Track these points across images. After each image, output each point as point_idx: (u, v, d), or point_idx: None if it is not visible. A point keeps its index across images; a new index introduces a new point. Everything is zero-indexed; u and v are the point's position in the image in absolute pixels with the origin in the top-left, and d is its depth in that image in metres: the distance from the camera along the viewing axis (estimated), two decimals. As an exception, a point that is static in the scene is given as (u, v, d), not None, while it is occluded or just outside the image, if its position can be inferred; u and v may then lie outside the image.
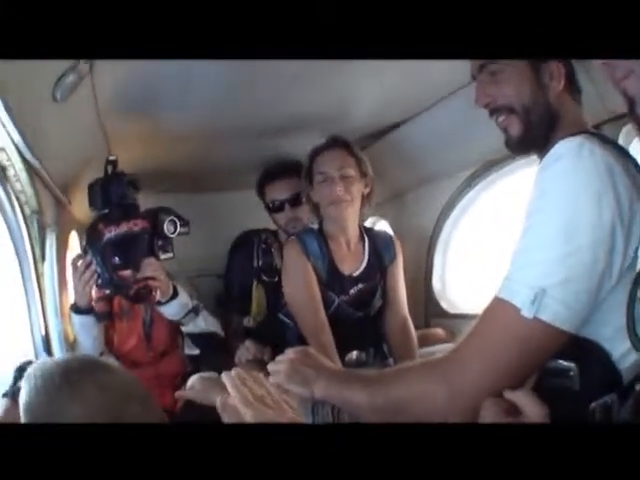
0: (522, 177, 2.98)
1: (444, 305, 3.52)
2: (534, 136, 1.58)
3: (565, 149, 1.29)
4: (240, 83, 2.30)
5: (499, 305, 1.28)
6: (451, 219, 3.43)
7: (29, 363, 1.99)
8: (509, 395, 1.20)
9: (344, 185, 2.64)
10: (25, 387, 1.34)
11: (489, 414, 1.19)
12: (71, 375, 1.33)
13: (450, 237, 3.50)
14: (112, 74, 2.00)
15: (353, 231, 2.82)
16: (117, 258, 2.54)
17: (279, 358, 1.74)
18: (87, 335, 2.67)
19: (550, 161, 1.30)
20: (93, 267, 2.53)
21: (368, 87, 2.57)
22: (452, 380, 1.30)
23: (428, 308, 3.58)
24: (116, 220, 2.49)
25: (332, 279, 2.77)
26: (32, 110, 1.83)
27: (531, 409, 1.14)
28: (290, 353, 1.72)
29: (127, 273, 2.57)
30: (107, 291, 2.68)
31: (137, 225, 2.50)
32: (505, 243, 3.32)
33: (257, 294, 3.36)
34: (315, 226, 2.85)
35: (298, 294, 2.73)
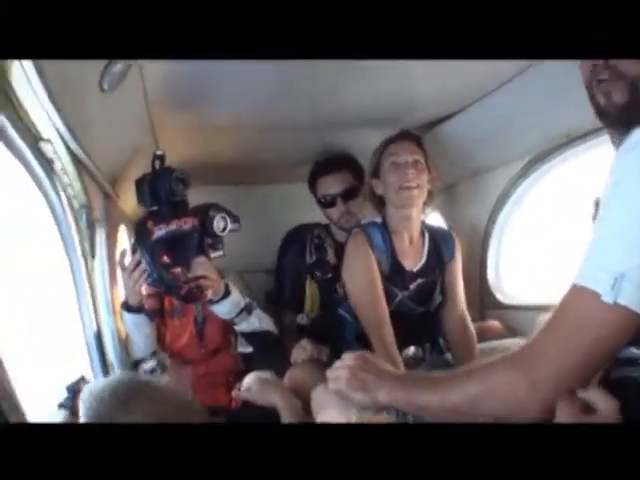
0: (577, 166, 2.92)
1: (499, 296, 3.48)
2: (631, 110, 1.46)
3: None
4: (294, 75, 2.28)
5: (578, 292, 1.23)
6: (505, 210, 3.38)
7: (80, 382, 2.00)
8: (582, 394, 1.17)
9: (415, 171, 2.62)
10: (82, 409, 1.39)
11: (564, 414, 1.17)
12: (120, 391, 1.40)
13: (504, 228, 3.44)
14: (161, 62, 1.96)
15: (416, 225, 2.79)
16: (166, 257, 2.52)
17: (337, 364, 1.70)
18: (139, 333, 2.66)
19: (630, 146, 1.25)
20: (143, 266, 2.51)
21: (421, 81, 2.55)
22: (531, 372, 1.26)
23: (483, 300, 3.54)
24: (165, 218, 2.47)
25: (394, 273, 2.73)
26: (79, 100, 1.79)
27: (604, 405, 1.13)
28: (349, 359, 1.67)
29: (177, 271, 2.54)
30: (157, 290, 2.67)
31: (187, 223, 2.47)
32: (559, 233, 3.26)
33: (310, 291, 3.32)
34: (378, 220, 2.81)
35: (363, 287, 2.68)
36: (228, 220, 2.57)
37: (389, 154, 2.67)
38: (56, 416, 1.86)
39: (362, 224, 2.90)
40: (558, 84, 2.20)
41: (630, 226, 1.18)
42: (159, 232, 2.47)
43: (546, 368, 1.25)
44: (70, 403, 1.89)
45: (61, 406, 1.91)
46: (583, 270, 1.24)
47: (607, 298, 1.16)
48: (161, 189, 2.46)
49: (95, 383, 1.47)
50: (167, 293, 2.75)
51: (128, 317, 2.61)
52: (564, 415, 1.17)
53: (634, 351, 1.31)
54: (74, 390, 1.93)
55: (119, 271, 2.61)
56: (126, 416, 1.32)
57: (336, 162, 3.28)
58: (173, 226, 2.46)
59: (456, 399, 1.38)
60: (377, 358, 1.75)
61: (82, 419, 1.36)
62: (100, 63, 1.73)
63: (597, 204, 1.53)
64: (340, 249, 3.06)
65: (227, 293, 2.67)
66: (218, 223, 2.55)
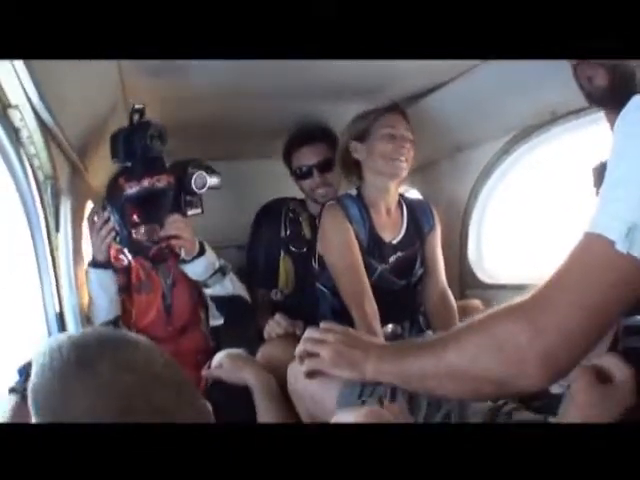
0: (562, 144, 2.91)
1: (480, 275, 3.47)
2: (617, 90, 1.53)
3: None
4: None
5: (590, 240, 1.20)
6: (487, 187, 3.35)
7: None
8: (597, 361, 1.17)
9: (409, 146, 2.70)
10: (34, 367, 1.17)
11: (581, 384, 1.15)
12: (85, 350, 1.15)
13: (486, 205, 3.42)
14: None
15: (393, 197, 2.82)
16: (136, 216, 2.47)
17: (310, 340, 1.66)
18: (104, 294, 2.58)
19: (636, 105, 1.24)
20: (111, 224, 2.48)
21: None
22: (537, 319, 1.22)
23: (463, 278, 3.53)
24: (138, 175, 2.41)
25: (373, 246, 2.75)
26: (50, 66, 1.70)
27: (620, 372, 1.13)
28: (330, 336, 1.63)
29: (148, 231, 2.50)
30: (125, 250, 2.65)
31: (161, 181, 2.42)
32: (543, 211, 3.25)
33: (284, 266, 3.29)
34: (354, 191, 2.83)
35: (342, 259, 2.68)
36: (207, 177, 2.54)
37: (385, 124, 2.71)
38: (7, 402, 1.76)
39: (336, 197, 2.91)
40: (542, 61, 2.16)
41: None
42: (130, 190, 2.41)
43: (553, 316, 1.21)
44: (22, 387, 1.78)
45: (12, 391, 1.81)
46: (596, 218, 1.22)
47: (620, 247, 1.14)
48: (137, 144, 2.39)
49: (54, 337, 1.25)
50: (135, 253, 2.71)
51: (93, 274, 2.55)
52: (580, 384, 1.15)
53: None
54: (27, 373, 1.83)
55: (86, 245, 2.56)
56: (90, 379, 1.10)
57: (311, 133, 3.27)
58: (146, 184, 2.40)
59: (453, 357, 1.35)
60: (359, 332, 1.74)
61: (32, 383, 1.14)
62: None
63: (598, 170, 1.63)
64: (315, 223, 3.05)
65: (202, 251, 2.63)
66: (197, 180, 2.52)
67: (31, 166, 2.01)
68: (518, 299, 1.30)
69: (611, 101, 1.58)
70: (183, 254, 2.57)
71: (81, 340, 1.19)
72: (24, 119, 1.81)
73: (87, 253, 2.59)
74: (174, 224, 2.49)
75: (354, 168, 2.86)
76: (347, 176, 2.93)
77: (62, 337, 1.20)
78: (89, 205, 2.75)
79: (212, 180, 2.58)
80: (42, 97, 1.74)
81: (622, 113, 1.27)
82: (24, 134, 1.86)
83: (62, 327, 2.26)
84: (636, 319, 1.30)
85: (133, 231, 2.51)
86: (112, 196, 2.51)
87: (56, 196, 2.22)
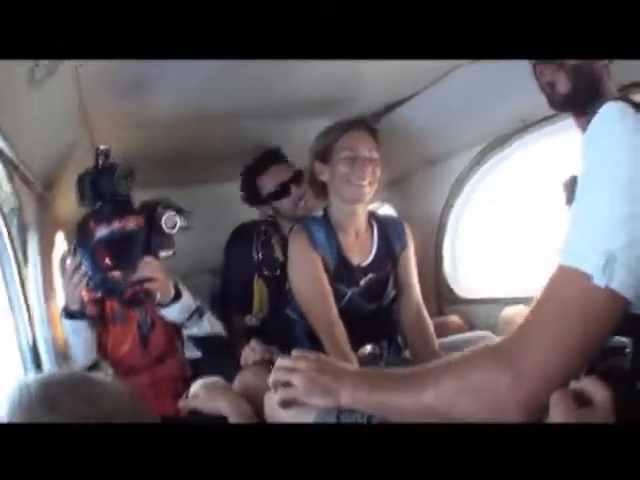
0: (534, 152, 2.92)
1: (457, 290, 3.47)
2: (580, 95, 1.59)
3: (619, 107, 1.23)
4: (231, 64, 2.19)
5: (566, 274, 1.19)
6: (461, 199, 3.37)
7: None
8: (575, 385, 1.11)
9: (372, 167, 2.61)
10: (5, 403, 1.22)
11: (560, 409, 1.10)
12: (49, 387, 1.22)
13: (460, 218, 3.44)
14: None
15: (362, 218, 2.77)
16: (108, 259, 2.41)
17: (281, 369, 1.61)
18: (79, 340, 2.55)
19: (602, 120, 1.24)
20: (83, 270, 2.42)
21: (367, 67, 2.47)
22: (517, 361, 1.20)
23: (440, 294, 3.52)
24: (108, 217, 2.36)
25: (341, 270, 2.70)
26: (7, 93, 1.70)
27: (600, 394, 1.07)
28: (302, 364, 1.60)
29: (121, 274, 2.45)
30: (99, 294, 2.55)
31: (131, 222, 2.38)
32: (518, 222, 3.26)
33: (258, 289, 3.26)
34: (319, 213, 2.79)
35: (307, 287, 2.65)
36: (178, 217, 2.50)
37: (346, 145, 2.63)
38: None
39: (303, 220, 2.86)
40: (511, 68, 2.17)
41: (615, 200, 1.16)
42: (100, 233, 2.36)
43: (533, 356, 1.19)
44: None
45: None
46: (571, 249, 1.21)
47: (598, 280, 1.13)
48: (104, 187, 2.36)
49: (25, 378, 1.32)
50: (110, 297, 2.64)
51: (67, 323, 2.52)
52: (559, 410, 1.10)
53: (620, 340, 1.27)
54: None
55: (57, 277, 2.53)
56: (53, 416, 1.18)
57: (266, 158, 3.28)
58: (116, 226, 2.36)
59: (431, 400, 1.31)
60: (332, 358, 1.71)
61: (5, 417, 1.22)
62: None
63: (568, 186, 1.64)
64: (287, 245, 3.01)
65: (178, 295, 2.59)
66: (167, 220, 2.48)
67: (-5, 198, 1.99)
68: (496, 341, 1.29)
69: (577, 105, 1.62)
70: (159, 297, 2.53)
71: (48, 380, 1.25)
72: (-17, 151, 1.79)
73: (59, 287, 2.55)
74: (147, 266, 2.45)
75: (321, 189, 2.80)
76: (315, 196, 2.88)
77: (32, 377, 1.26)
78: (58, 236, 2.73)
79: (185, 221, 2.55)
80: (0, 128, 1.73)
81: (590, 127, 1.26)
82: (-16, 167, 1.84)
83: (36, 359, 2.25)
84: (613, 340, 1.27)
85: (106, 275, 2.45)
86: (82, 240, 2.45)
87: (23, 228, 2.22)
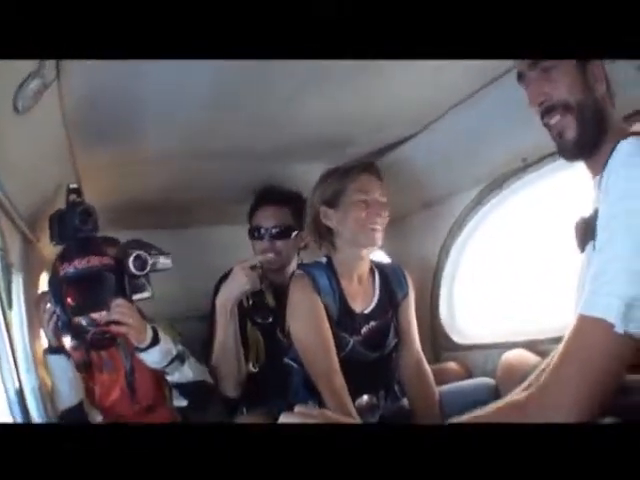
0: (535, 192, 2.90)
1: (454, 337, 3.42)
2: (588, 138, 1.57)
3: (635, 148, 1.27)
4: (226, 105, 2.23)
5: (589, 324, 1.22)
6: (458, 243, 3.33)
7: None
8: None
9: (384, 211, 2.62)
10: None
11: None
12: None
13: (458, 263, 3.40)
14: (83, 79, 1.87)
15: (366, 264, 2.76)
16: (70, 299, 2.37)
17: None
18: (63, 378, 2.48)
19: (620, 163, 1.28)
20: (52, 308, 2.40)
21: (365, 108, 2.50)
22: (545, 418, 1.22)
23: (437, 341, 3.47)
24: (71, 256, 2.35)
25: (344, 318, 2.66)
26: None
27: None
28: (308, 420, 1.57)
29: (91, 317, 2.41)
30: (65, 336, 2.50)
31: (91, 262, 2.35)
32: (517, 265, 3.22)
33: (253, 338, 3.16)
34: (323, 259, 2.76)
35: (309, 335, 2.60)
36: (148, 258, 2.48)
37: (358, 188, 2.62)
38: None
39: (305, 265, 2.83)
40: (512, 106, 2.15)
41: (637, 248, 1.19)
42: (63, 272, 2.35)
43: (561, 410, 1.21)
44: None
45: None
46: (592, 298, 1.23)
47: (619, 329, 1.16)
48: (69, 225, 2.35)
49: None
50: (74, 339, 2.55)
51: (49, 360, 2.47)
52: None
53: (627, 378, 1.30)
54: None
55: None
56: None
57: (277, 195, 3.23)
58: (77, 265, 2.34)
59: None
60: (334, 414, 1.66)
61: None
62: (14, 79, 1.62)
63: (580, 230, 1.58)
64: (278, 291, 3.04)
65: (156, 340, 2.53)
66: (135, 262, 2.46)
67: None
68: (520, 395, 1.31)
69: (587, 147, 1.59)
70: (134, 341, 2.48)
71: None
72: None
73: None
74: (117, 308, 2.40)
75: (326, 235, 2.75)
76: (318, 243, 2.82)
77: None
78: (43, 277, 2.70)
79: (162, 261, 2.53)
80: None
81: (610, 168, 1.29)
82: (-33, 207, 1.81)
83: (22, 404, 2.19)
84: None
85: (70, 316, 2.40)
86: (51, 280, 2.45)
87: (7, 269, 2.17)
